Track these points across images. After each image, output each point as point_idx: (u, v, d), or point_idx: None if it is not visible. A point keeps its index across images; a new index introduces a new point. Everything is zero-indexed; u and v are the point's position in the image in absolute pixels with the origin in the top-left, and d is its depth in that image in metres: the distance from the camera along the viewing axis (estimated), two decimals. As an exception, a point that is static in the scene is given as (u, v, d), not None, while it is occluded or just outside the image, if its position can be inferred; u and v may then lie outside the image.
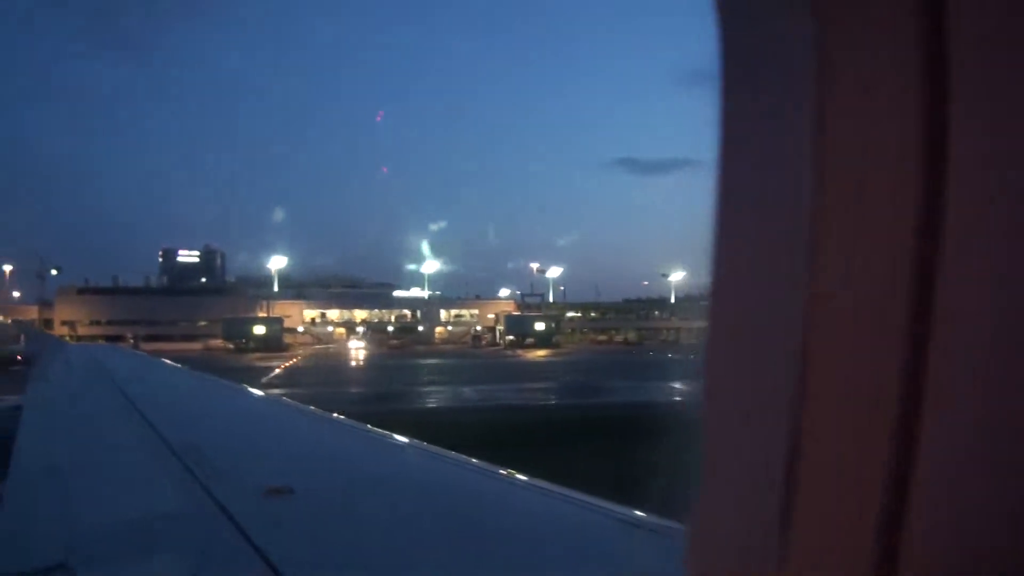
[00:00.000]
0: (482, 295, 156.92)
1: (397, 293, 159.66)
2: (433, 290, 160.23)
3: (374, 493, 4.27)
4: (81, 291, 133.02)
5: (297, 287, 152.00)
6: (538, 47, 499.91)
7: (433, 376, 71.67)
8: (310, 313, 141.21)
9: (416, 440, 5.77)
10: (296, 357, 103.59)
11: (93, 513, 4.08)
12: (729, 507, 1.22)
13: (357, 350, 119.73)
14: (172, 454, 5.20)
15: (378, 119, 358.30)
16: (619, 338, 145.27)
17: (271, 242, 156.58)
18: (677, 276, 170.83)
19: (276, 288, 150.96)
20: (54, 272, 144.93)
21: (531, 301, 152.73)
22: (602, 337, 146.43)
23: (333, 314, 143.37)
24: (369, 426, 6.59)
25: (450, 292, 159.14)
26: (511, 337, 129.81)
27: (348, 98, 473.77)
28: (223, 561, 2.98)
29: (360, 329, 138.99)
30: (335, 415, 7.58)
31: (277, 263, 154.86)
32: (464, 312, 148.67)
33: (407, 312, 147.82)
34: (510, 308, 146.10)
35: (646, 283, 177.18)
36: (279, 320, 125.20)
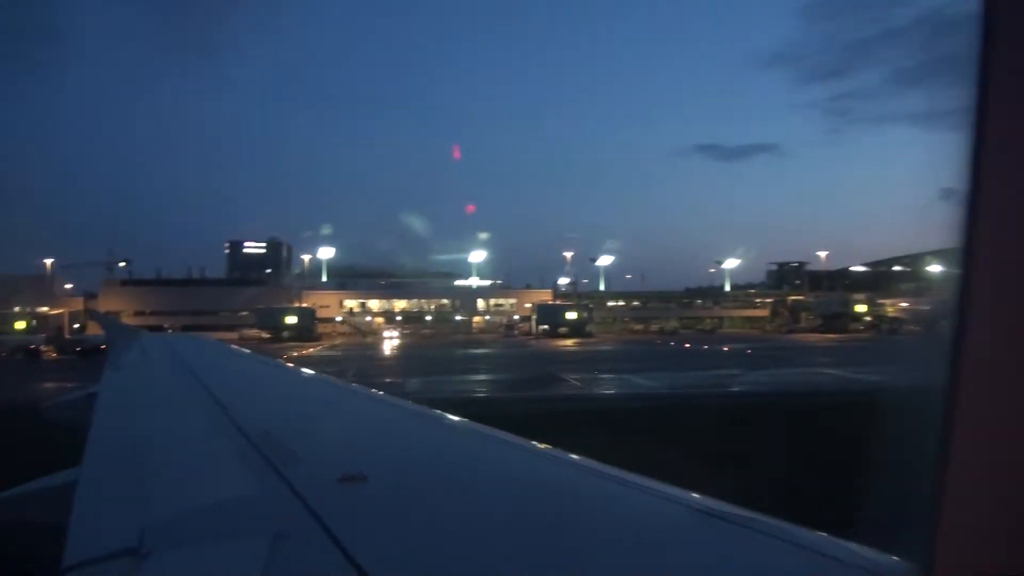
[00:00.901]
0: (541, 284, 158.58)
1: (459, 283, 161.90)
2: (496, 278, 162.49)
3: (450, 481, 4.28)
4: (124, 283, 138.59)
5: (363, 277, 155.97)
6: (614, 31, 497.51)
7: (421, 365, 72.10)
8: (351, 303, 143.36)
9: (497, 429, 5.66)
10: (318, 345, 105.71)
11: (166, 497, 4.16)
12: (999, 519, 1.11)
13: (384, 339, 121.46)
14: (246, 439, 5.29)
15: (456, 155, 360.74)
16: (655, 327, 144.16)
17: (337, 234, 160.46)
18: (732, 264, 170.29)
19: (325, 278, 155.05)
20: (122, 264, 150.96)
21: (566, 290, 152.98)
22: (639, 326, 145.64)
23: (374, 304, 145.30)
24: (447, 414, 6.61)
25: (515, 280, 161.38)
26: (544, 327, 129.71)
27: (417, 86, 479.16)
28: (296, 546, 3.01)
29: (398, 319, 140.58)
30: (411, 402, 7.59)
31: (326, 254, 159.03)
32: (504, 302, 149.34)
33: (446, 302, 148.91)
34: (547, 298, 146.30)
35: (712, 270, 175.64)
36: (311, 310, 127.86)
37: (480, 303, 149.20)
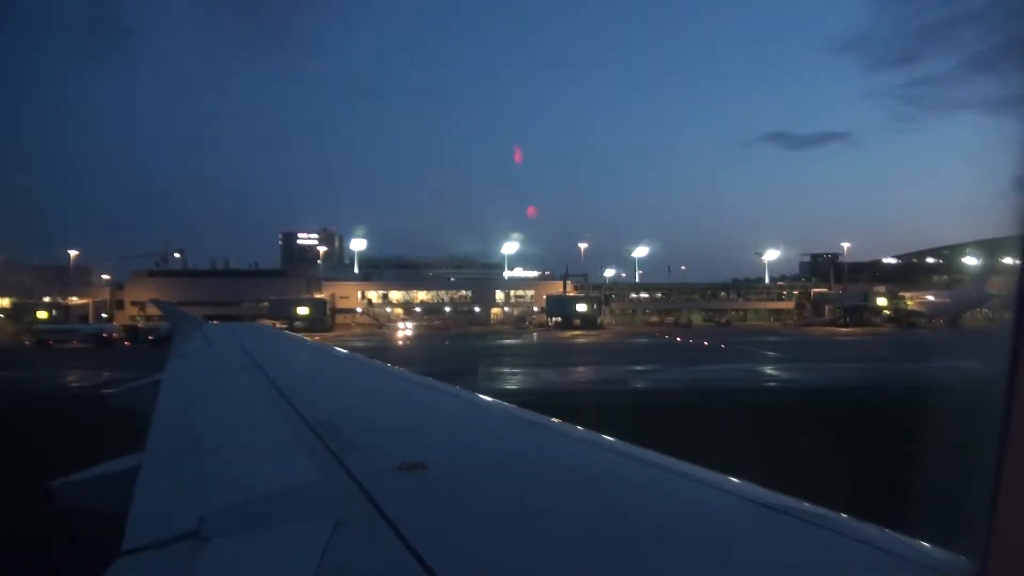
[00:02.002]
0: (586, 274, 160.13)
1: (507, 274, 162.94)
2: (545, 269, 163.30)
3: (509, 471, 4.30)
4: (151, 274, 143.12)
5: (405, 268, 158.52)
6: (683, 19, 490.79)
7: (377, 356, 73.33)
8: (372, 294, 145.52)
9: (557, 420, 5.70)
10: (320, 336, 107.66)
11: (227, 483, 4.23)
12: None
13: (394, 330, 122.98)
14: (306, 427, 5.34)
15: (517, 159, 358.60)
16: (671, 320, 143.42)
17: (388, 226, 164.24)
18: (772, 255, 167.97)
19: (356, 269, 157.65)
20: (177, 255, 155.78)
21: (577, 282, 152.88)
22: (655, 319, 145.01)
23: (396, 295, 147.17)
24: (509, 404, 6.61)
25: (568, 270, 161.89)
26: (557, 319, 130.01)
27: (472, 77, 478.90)
28: (356, 534, 3.06)
29: (417, 310, 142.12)
30: (471, 391, 7.70)
31: (358, 245, 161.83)
32: (524, 293, 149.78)
33: (466, 293, 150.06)
34: (568, 289, 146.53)
35: (766, 260, 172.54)
36: (322, 301, 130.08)
37: (499, 295, 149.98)
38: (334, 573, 2.70)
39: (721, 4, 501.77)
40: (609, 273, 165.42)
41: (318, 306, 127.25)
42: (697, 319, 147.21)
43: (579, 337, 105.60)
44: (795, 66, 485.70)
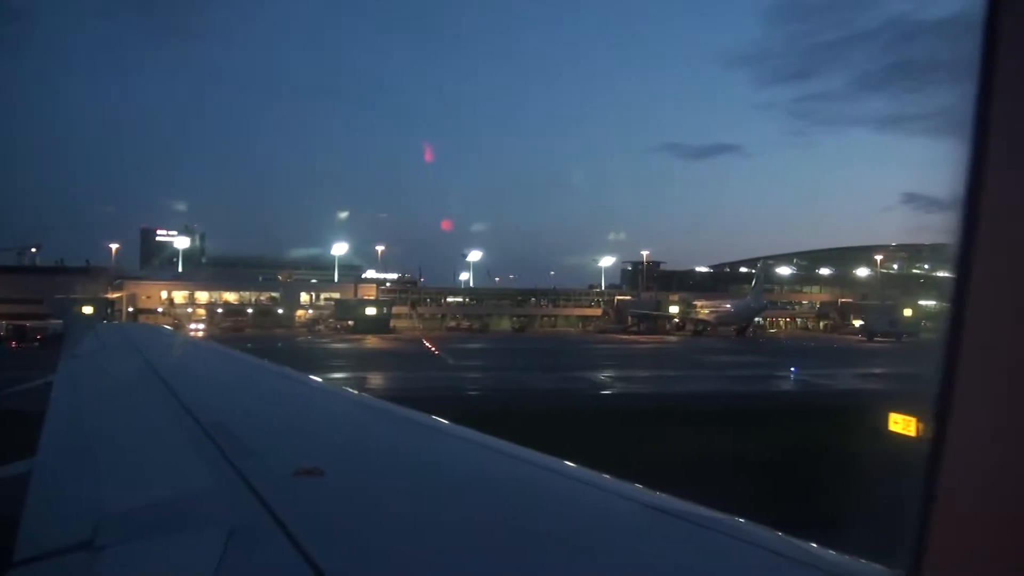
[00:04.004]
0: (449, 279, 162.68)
1: (367, 274, 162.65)
2: (405, 272, 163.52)
3: (406, 477, 4.29)
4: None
5: (246, 267, 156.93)
6: (580, 30, 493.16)
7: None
8: (178, 294, 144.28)
9: (452, 423, 5.68)
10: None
11: (121, 490, 4.13)
12: (986, 532, 1.09)
13: (185, 331, 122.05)
14: (202, 432, 5.25)
15: (428, 158, 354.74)
16: (466, 324, 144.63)
17: (251, 224, 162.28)
18: (607, 262, 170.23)
19: (181, 268, 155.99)
20: (33, 250, 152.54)
21: (395, 285, 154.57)
22: (452, 324, 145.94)
23: (203, 295, 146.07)
24: (405, 408, 6.58)
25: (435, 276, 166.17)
26: (349, 322, 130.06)
27: (362, 77, 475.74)
28: (251, 541, 3.01)
29: (219, 311, 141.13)
30: (368, 396, 7.65)
31: (182, 243, 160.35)
32: (335, 295, 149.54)
33: (276, 295, 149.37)
34: (373, 292, 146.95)
35: (602, 267, 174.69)
36: (109, 300, 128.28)
37: (304, 297, 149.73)
38: None
39: (626, 14, 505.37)
40: (464, 276, 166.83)
41: (102, 304, 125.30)
42: (506, 324, 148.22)
43: (341, 342, 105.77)
44: (691, 78, 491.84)
